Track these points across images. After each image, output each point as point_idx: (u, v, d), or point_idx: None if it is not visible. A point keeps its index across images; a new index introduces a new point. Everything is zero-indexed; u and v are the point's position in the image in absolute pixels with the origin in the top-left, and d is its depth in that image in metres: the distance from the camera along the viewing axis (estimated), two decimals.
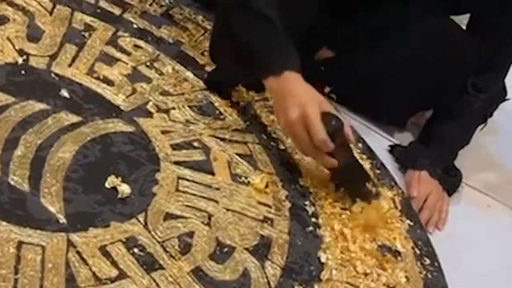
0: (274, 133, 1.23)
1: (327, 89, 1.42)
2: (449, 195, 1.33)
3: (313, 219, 1.10)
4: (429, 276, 1.12)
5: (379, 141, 1.42)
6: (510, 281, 1.24)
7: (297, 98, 1.07)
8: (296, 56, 1.11)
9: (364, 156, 1.29)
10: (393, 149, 1.39)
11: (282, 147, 1.21)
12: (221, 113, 1.21)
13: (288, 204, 1.10)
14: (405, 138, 1.46)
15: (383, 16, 1.42)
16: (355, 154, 1.22)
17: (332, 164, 1.12)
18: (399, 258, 1.11)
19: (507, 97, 1.43)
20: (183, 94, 1.20)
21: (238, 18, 1.12)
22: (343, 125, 1.10)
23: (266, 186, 1.10)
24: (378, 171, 1.28)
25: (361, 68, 1.41)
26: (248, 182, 1.10)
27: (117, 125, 1.07)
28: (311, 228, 1.08)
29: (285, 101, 1.08)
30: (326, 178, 1.17)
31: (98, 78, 1.13)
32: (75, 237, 0.88)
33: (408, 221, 1.20)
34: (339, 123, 1.09)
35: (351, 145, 1.17)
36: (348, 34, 1.46)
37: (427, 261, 1.15)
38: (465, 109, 1.39)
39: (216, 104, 1.22)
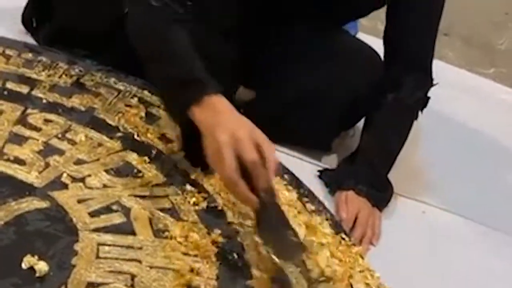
0: (196, 181, 1.24)
1: None
2: (380, 210, 1.34)
3: (242, 261, 1.10)
4: None
5: (309, 168, 1.43)
6: (452, 286, 1.25)
7: (228, 122, 1.04)
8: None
9: (290, 187, 1.31)
10: (322, 174, 1.40)
11: (204, 195, 1.21)
12: (139, 171, 1.21)
13: (214, 250, 1.11)
14: (333, 160, 1.47)
15: (290, 43, 1.45)
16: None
17: (254, 200, 1.07)
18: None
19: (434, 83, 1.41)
20: (98, 159, 1.21)
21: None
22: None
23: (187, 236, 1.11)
24: (306, 199, 1.29)
25: (278, 98, 1.43)
26: (171, 235, 1.11)
27: (31, 204, 1.07)
28: (240, 270, 1.08)
29: (213, 127, 1.04)
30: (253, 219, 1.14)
31: (8, 160, 1.14)
32: None
33: None
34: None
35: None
36: (261, 67, 1.48)
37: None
38: (382, 112, 1.38)
39: (134, 162, 1.23)
